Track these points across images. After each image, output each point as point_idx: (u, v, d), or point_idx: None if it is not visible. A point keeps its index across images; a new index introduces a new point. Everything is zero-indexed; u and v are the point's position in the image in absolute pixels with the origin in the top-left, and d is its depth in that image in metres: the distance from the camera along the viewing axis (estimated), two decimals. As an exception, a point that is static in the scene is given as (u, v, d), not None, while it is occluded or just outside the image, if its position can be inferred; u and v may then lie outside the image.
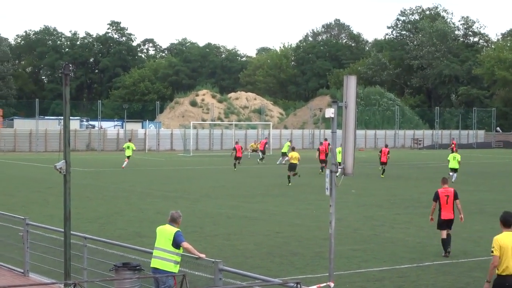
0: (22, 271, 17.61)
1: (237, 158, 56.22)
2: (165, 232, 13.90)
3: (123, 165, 54.34)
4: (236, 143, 61.23)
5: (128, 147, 56.37)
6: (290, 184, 41.81)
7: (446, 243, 20.93)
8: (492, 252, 12.64)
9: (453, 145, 60.88)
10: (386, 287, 17.15)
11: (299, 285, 11.87)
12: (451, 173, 45.10)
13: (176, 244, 13.68)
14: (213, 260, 13.23)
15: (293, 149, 47.34)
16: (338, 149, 36.46)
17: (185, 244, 13.70)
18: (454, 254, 21.12)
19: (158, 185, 41.76)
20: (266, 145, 68.41)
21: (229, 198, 35.19)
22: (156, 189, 38.97)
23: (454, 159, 46.46)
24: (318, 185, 36.38)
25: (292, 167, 42.80)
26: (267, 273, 16.93)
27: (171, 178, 47.14)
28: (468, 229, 26.00)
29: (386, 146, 52.95)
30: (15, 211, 25.60)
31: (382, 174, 49.01)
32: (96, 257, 16.52)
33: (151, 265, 13.88)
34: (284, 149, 60.83)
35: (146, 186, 40.72)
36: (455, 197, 21.16)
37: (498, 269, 12.56)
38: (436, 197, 21.34)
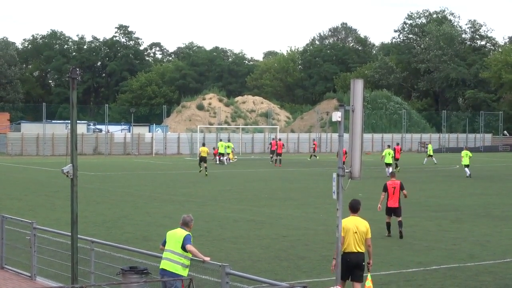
0: (29, 274, 17.65)
1: (278, 155, 63.11)
2: (176, 235, 13.99)
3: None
4: (273, 139, 68.22)
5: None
6: (207, 174, 51.14)
7: (389, 226, 24.74)
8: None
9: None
10: (393, 291, 17.11)
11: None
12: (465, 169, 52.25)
13: (184, 247, 13.75)
14: (220, 264, 13.26)
15: (203, 145, 58.24)
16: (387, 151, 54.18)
17: (189, 247, 13.76)
18: (461, 257, 21.11)
19: (165, 189, 41.78)
20: (283, 147, 68.77)
21: (236, 201, 35.19)
22: (163, 193, 39.00)
23: (466, 156, 52.61)
24: (325, 189, 36.35)
25: (202, 159, 52.50)
26: (274, 276, 16.93)
27: (178, 182, 47.16)
28: (475, 233, 25.98)
29: (398, 144, 60.75)
30: (23, 215, 25.67)
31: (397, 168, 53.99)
32: (103, 261, 16.53)
33: (160, 267, 13.93)
34: (221, 150, 66.94)
35: (153, 190, 40.74)
36: (401, 188, 24.86)
37: (342, 247, 14.40)
38: (385, 189, 24.96)
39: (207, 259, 13.83)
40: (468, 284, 17.91)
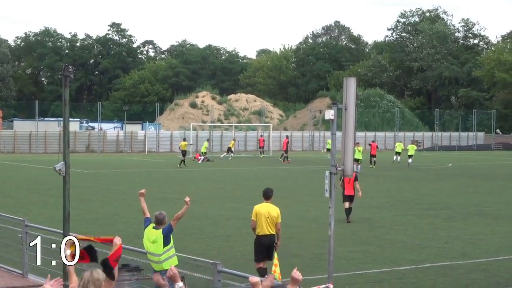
0: (21, 272, 17.61)
1: (284, 152, 66.28)
2: (151, 237, 13.90)
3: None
4: (261, 136, 74.64)
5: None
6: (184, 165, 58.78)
7: (348, 212, 27.57)
8: (252, 218, 16.89)
9: None
10: (385, 289, 17.11)
11: (298, 287, 11.87)
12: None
13: (168, 239, 13.74)
14: (212, 261, 13.25)
15: (184, 139, 65.78)
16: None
17: (174, 222, 14.06)
18: (453, 256, 21.15)
19: (157, 186, 41.73)
20: (289, 145, 69.19)
21: (229, 199, 35.19)
22: (155, 191, 38.93)
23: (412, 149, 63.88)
24: (318, 187, 36.36)
25: (183, 153, 60.81)
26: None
27: (171, 179, 47.15)
28: (468, 231, 26.03)
29: (373, 141, 65.13)
30: (15, 212, 25.61)
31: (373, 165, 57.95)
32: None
33: (155, 269, 13.81)
34: (203, 149, 68.24)
35: (146, 188, 40.58)
36: (355, 179, 27.62)
37: (256, 231, 16.63)
38: (342, 179, 27.10)
39: (187, 199, 14.52)
40: (460, 282, 17.93)
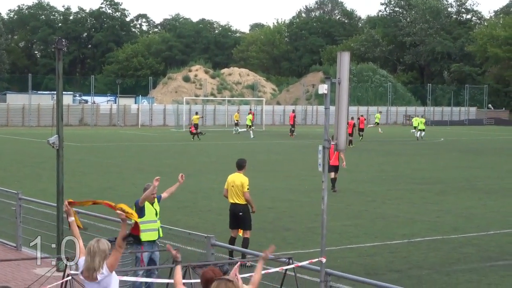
0: (14, 245, 17.67)
1: (291, 126, 67.31)
2: (152, 206, 14.03)
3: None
4: (250, 109, 75.93)
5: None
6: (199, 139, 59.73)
7: (333, 181, 28.43)
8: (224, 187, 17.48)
9: None
10: (377, 262, 17.24)
11: (290, 260, 11.95)
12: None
13: (157, 211, 13.97)
14: (206, 235, 13.33)
15: (196, 113, 67.38)
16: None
17: (165, 195, 14.81)
18: (444, 230, 21.28)
19: (151, 160, 41.80)
20: (295, 119, 69.57)
21: (222, 173, 35.12)
22: (148, 164, 39.04)
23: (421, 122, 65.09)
24: (311, 161, 36.46)
25: (196, 126, 62.02)
26: (259, 248, 16.95)
27: (164, 153, 47.18)
28: (459, 205, 26.18)
29: (362, 115, 64.71)
30: (8, 185, 25.64)
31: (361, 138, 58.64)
32: (89, 231, 16.55)
33: (146, 239, 13.83)
34: (248, 122, 68.43)
35: (139, 161, 40.76)
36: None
37: (229, 198, 17.20)
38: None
39: (181, 177, 15.15)
40: (451, 256, 18.05)
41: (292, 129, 67.62)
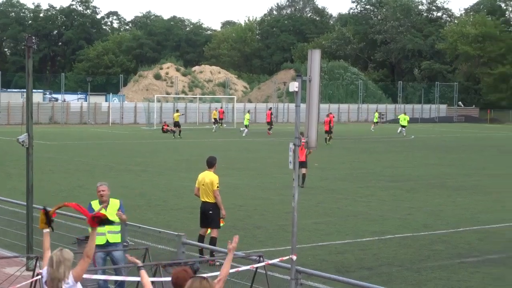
0: (-16, 244, 17.53)
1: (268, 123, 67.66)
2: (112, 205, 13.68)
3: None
4: (221, 107, 74.20)
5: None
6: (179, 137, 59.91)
7: (304, 177, 28.80)
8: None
9: None
10: (347, 260, 17.32)
11: (261, 258, 11.96)
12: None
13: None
14: (176, 233, 13.32)
15: (177, 110, 67.49)
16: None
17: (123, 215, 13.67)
18: (415, 227, 21.43)
19: (121, 158, 41.67)
20: (272, 116, 69.86)
21: (193, 171, 35.10)
22: (119, 163, 38.91)
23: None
24: (282, 159, 36.52)
25: (177, 124, 62.32)
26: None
27: (135, 151, 47.04)
28: (429, 203, 26.36)
29: (331, 113, 63.10)
30: (-23, 184, 25.45)
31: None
32: (59, 230, 16.43)
33: (101, 243, 13.46)
34: (246, 122, 67.95)
35: (109, 160, 40.61)
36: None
37: (200, 197, 17.21)
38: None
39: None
40: (421, 253, 18.18)
41: (270, 126, 67.82)
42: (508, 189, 30.80)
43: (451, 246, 19.04)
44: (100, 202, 13.65)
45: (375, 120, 76.82)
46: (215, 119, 73.91)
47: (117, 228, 13.51)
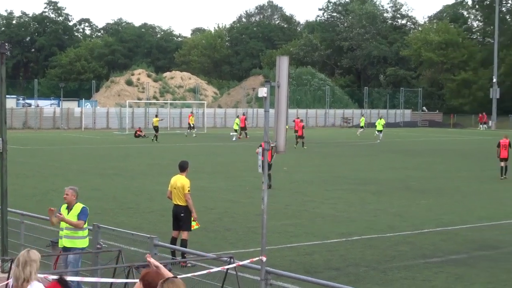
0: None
1: (242, 129, 67.65)
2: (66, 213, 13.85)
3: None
4: (191, 112, 75.09)
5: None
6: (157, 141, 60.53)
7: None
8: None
9: None
10: (315, 261, 17.65)
11: (232, 260, 12.18)
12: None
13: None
14: (149, 235, 13.46)
15: (156, 116, 68.48)
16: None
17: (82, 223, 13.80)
18: (380, 228, 21.87)
19: (94, 162, 41.78)
20: (246, 121, 70.17)
21: (164, 175, 35.32)
22: (92, 167, 39.04)
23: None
24: (252, 162, 36.92)
25: (156, 129, 63.01)
26: (201, 248, 17.23)
27: (107, 156, 47.12)
28: (395, 205, 26.81)
29: (298, 118, 63.70)
30: (-50, 189, 25.48)
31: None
32: (33, 233, 16.71)
33: (61, 246, 13.80)
34: (235, 126, 68.75)
35: (82, 164, 40.71)
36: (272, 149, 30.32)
37: (172, 200, 17.61)
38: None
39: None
40: (387, 253, 18.58)
41: (245, 131, 68.26)
42: (471, 192, 31.40)
43: (416, 247, 19.46)
44: (67, 206, 13.94)
45: (361, 125, 76.93)
46: (189, 124, 73.73)
47: (75, 233, 13.72)
